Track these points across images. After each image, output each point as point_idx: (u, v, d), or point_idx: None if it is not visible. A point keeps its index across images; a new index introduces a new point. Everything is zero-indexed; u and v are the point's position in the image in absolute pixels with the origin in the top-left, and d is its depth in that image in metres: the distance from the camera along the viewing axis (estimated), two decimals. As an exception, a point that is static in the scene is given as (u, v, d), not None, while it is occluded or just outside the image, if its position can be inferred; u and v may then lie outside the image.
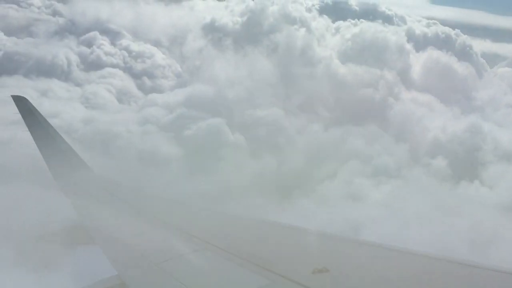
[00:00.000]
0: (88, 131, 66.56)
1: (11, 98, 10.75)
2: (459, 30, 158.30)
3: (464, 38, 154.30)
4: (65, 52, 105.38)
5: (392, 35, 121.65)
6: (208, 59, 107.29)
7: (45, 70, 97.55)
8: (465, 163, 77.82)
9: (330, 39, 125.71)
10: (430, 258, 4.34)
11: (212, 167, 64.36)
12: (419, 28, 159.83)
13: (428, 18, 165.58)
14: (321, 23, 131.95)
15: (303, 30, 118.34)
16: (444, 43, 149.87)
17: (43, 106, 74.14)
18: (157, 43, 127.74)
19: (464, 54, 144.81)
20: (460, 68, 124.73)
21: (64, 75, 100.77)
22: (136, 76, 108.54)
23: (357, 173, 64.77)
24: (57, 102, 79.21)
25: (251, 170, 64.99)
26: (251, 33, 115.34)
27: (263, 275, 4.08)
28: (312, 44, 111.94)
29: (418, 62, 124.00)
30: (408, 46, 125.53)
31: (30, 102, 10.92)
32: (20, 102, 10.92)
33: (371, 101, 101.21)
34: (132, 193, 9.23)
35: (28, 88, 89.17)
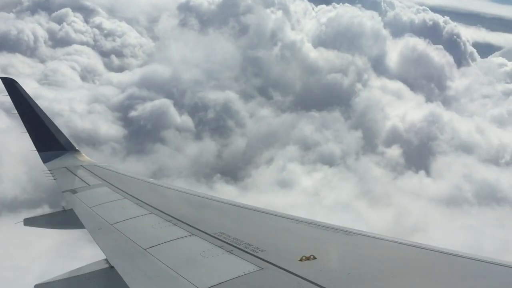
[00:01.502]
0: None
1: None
2: (449, 17, 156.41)
3: (452, 26, 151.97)
4: (33, 27, 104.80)
5: (368, 20, 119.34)
6: (178, 39, 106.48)
7: (10, 45, 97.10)
8: (418, 153, 76.94)
9: (306, 23, 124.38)
10: (418, 248, 4.46)
11: (150, 149, 64.19)
12: (406, 15, 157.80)
13: (421, 4, 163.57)
14: (300, 6, 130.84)
15: (279, 12, 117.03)
16: (430, 31, 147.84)
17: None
18: (133, 22, 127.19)
19: (450, 42, 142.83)
20: (438, 56, 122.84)
21: (30, 51, 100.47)
22: (104, 54, 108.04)
23: (295, 159, 64.22)
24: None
25: (190, 153, 64.77)
26: (225, 14, 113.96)
27: (251, 262, 4.17)
28: (284, 27, 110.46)
29: (394, 49, 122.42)
30: (385, 32, 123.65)
31: (19, 84, 10.73)
32: (10, 84, 10.75)
33: (338, 86, 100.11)
34: (122, 177, 9.26)
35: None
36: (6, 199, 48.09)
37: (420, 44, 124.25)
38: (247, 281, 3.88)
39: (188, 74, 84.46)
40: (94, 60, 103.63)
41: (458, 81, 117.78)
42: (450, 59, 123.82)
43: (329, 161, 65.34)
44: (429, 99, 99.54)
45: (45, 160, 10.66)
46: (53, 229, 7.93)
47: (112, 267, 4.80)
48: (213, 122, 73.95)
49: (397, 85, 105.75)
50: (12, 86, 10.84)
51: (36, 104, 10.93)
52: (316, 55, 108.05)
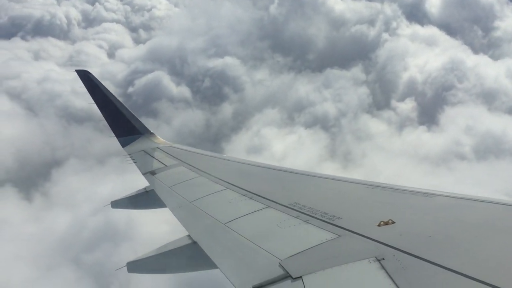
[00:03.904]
0: (36, 91, 71.24)
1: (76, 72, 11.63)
2: None
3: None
4: (67, 11, 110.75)
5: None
6: (202, 7, 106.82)
7: (43, 30, 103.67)
8: (430, 106, 71.45)
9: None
10: (503, 205, 4.38)
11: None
12: None
13: None
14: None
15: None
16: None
17: (11, 67, 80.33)
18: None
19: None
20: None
21: (63, 34, 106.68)
22: (133, 29, 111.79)
23: (275, 123, 62.86)
24: (28, 63, 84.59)
25: (176, 124, 65.91)
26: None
27: (328, 230, 4.25)
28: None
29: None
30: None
31: (93, 75, 11.54)
32: (84, 75, 11.45)
33: (363, 38, 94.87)
34: (196, 156, 9.61)
35: (22, 50, 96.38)
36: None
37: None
38: (325, 249, 3.91)
39: (198, 42, 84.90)
40: (122, 37, 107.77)
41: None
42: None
43: (323, 122, 63.05)
44: (466, 44, 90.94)
45: (123, 144, 11.16)
46: (137, 209, 8.61)
47: (195, 242, 5.07)
48: (210, 90, 74.13)
49: (431, 31, 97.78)
50: (86, 77, 11.44)
51: (110, 93, 11.48)
52: (342, 7, 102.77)
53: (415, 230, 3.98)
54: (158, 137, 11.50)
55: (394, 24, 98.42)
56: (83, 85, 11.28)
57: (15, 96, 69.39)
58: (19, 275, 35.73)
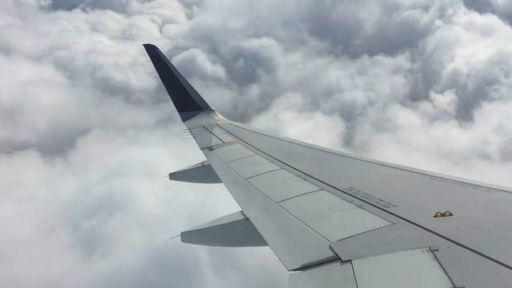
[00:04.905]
0: (81, 62, 75.41)
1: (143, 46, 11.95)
2: None
3: None
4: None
5: None
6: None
7: (104, 2, 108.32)
8: (469, 99, 67.97)
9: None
10: None
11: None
12: None
13: None
14: None
15: None
16: None
17: (64, 38, 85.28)
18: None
19: None
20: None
21: (121, 7, 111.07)
22: (187, 5, 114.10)
23: (296, 107, 62.61)
24: (80, 34, 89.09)
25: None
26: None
27: (382, 217, 4.17)
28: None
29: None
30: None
31: (159, 50, 11.79)
32: (151, 50, 11.73)
33: (413, 25, 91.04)
34: (254, 134, 9.70)
35: (80, 21, 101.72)
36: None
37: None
38: (378, 235, 3.86)
39: (239, 22, 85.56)
40: (176, 12, 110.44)
41: None
42: None
43: (345, 110, 62.14)
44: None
45: (184, 119, 11.40)
46: (194, 182, 8.81)
47: (247, 218, 5.13)
48: (242, 70, 74.86)
49: (490, 20, 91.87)
50: (153, 52, 11.74)
51: (174, 68, 11.71)
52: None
53: (474, 223, 3.85)
54: (218, 114, 11.65)
55: (450, 11, 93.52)
56: (143, 59, 11.89)
57: (61, 66, 74.04)
58: (21, 234, 38.81)
